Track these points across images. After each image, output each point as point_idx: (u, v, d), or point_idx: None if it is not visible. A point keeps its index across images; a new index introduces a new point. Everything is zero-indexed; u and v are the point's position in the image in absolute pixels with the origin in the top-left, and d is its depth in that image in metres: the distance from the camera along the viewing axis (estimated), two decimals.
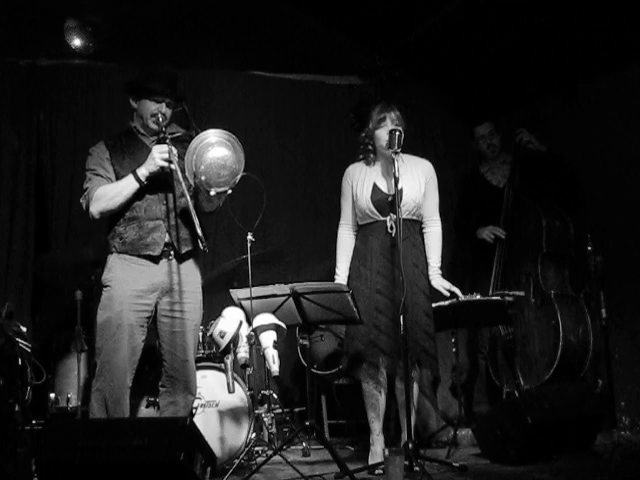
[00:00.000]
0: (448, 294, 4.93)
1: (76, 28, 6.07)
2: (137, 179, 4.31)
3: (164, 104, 4.43)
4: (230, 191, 4.25)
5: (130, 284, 4.34)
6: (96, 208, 4.36)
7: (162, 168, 4.30)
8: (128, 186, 4.33)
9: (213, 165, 4.18)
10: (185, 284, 4.45)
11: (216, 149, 4.21)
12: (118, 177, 4.41)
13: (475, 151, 6.39)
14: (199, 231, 4.08)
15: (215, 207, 4.49)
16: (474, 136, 6.31)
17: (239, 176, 4.24)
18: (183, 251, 4.44)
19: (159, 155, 4.27)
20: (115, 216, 4.41)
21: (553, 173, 6.02)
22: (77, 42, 6.12)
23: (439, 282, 4.92)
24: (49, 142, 6.36)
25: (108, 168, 4.43)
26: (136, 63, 6.13)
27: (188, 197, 4.16)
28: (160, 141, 4.42)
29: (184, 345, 4.43)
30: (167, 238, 4.40)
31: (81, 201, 4.44)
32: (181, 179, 4.20)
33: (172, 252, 4.41)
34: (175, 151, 4.27)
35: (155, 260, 4.39)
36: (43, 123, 6.35)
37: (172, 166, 4.26)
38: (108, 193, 4.35)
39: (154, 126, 4.44)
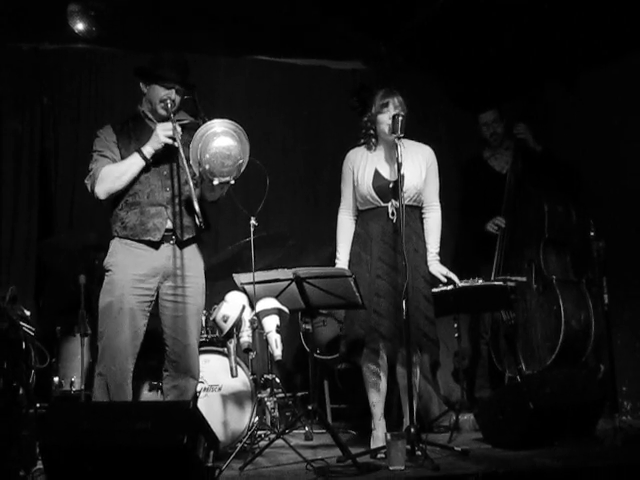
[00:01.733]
0: (445, 280, 4.93)
1: (79, 12, 6.06)
2: (142, 157, 4.33)
3: (174, 90, 4.42)
4: (233, 182, 4.23)
5: (131, 268, 4.35)
6: (102, 188, 4.36)
7: (166, 145, 4.31)
8: (133, 165, 4.35)
9: (218, 154, 4.18)
10: (187, 268, 4.45)
11: (221, 138, 4.20)
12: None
13: (478, 137, 6.39)
14: (196, 207, 4.09)
15: (217, 197, 4.49)
16: (478, 123, 6.31)
17: (243, 167, 4.24)
18: (185, 238, 4.45)
19: (163, 132, 4.30)
20: (117, 201, 4.42)
21: (549, 171, 6.04)
22: (80, 26, 6.11)
23: (437, 268, 4.92)
24: (52, 127, 6.36)
25: (115, 151, 4.44)
26: (138, 49, 6.13)
27: (191, 183, 4.16)
28: (165, 121, 4.42)
29: (186, 329, 4.44)
30: (169, 224, 4.40)
31: (86, 181, 4.44)
32: (185, 165, 4.21)
33: (173, 237, 4.42)
34: (179, 129, 4.29)
35: (155, 245, 4.39)
36: (46, 108, 6.35)
37: (175, 144, 4.27)
38: (113, 172, 4.36)
39: (162, 112, 4.44)
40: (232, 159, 4.20)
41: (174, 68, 4.45)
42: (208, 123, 4.24)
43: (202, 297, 4.57)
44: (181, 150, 4.25)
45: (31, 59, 6.36)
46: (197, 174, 4.26)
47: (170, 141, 4.30)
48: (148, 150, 4.34)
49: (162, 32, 6.22)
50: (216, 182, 4.21)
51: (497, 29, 6.15)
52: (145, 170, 4.40)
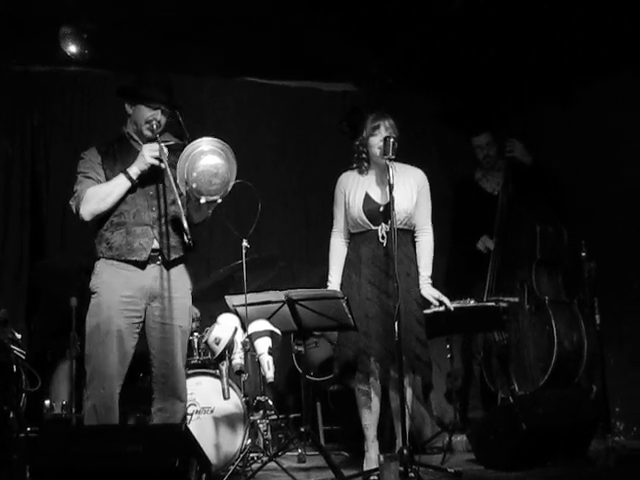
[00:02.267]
0: (437, 303, 4.92)
1: (71, 34, 6.06)
2: (128, 178, 4.29)
3: (159, 111, 4.40)
4: (220, 200, 4.23)
5: (118, 290, 4.30)
6: (87, 209, 4.31)
7: (152, 166, 4.29)
8: (119, 185, 4.30)
9: (205, 173, 4.17)
10: (174, 290, 4.41)
11: (209, 157, 4.19)
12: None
13: (471, 157, 6.42)
14: (185, 224, 4.06)
15: (204, 217, 4.44)
16: (471, 144, 6.34)
17: (230, 185, 4.23)
18: (171, 258, 4.41)
19: (149, 153, 4.26)
20: (103, 221, 4.37)
21: (539, 185, 6.06)
22: (72, 49, 6.11)
23: (429, 291, 4.92)
24: (43, 149, 6.36)
25: (100, 172, 4.39)
26: (129, 70, 6.12)
27: (179, 202, 4.15)
28: (151, 141, 4.41)
29: (172, 351, 4.39)
30: (155, 244, 4.36)
31: (70, 203, 4.39)
32: (173, 184, 4.19)
33: (160, 258, 4.38)
34: (166, 150, 4.26)
35: (142, 265, 4.35)
36: (37, 130, 6.35)
37: (162, 165, 4.25)
38: (99, 194, 4.31)
39: (148, 133, 4.42)
40: (220, 177, 4.19)
41: (159, 88, 4.44)
42: (195, 142, 4.23)
43: (189, 318, 4.53)
44: (168, 170, 4.23)
45: (22, 81, 6.36)
46: (184, 193, 4.24)
47: (156, 162, 4.27)
48: (134, 171, 4.30)
49: (152, 54, 6.22)
50: (203, 201, 4.19)
51: (489, 48, 6.17)
52: (131, 190, 4.36)
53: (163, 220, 4.40)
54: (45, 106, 6.43)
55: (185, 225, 4.08)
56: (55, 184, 6.29)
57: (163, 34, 6.23)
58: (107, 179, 4.38)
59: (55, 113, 6.46)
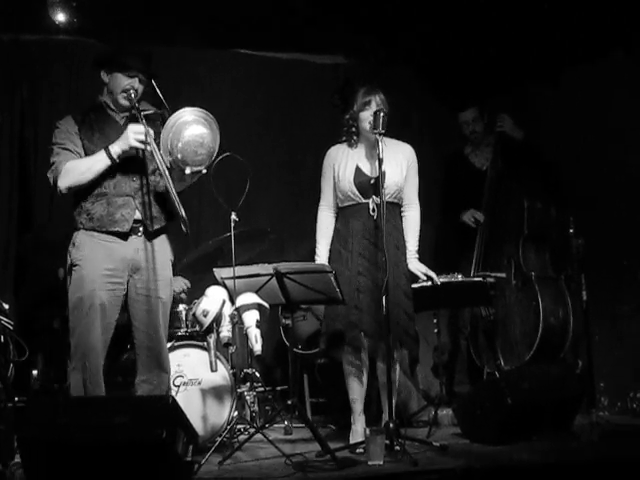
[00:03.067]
0: (425, 278, 4.96)
1: (60, 3, 6.01)
2: (109, 156, 4.24)
3: (137, 79, 4.36)
4: (205, 170, 4.22)
5: (100, 262, 4.29)
6: (64, 183, 4.27)
7: (136, 149, 4.26)
8: (99, 162, 4.26)
9: (191, 143, 4.15)
10: (156, 261, 4.40)
11: (194, 127, 4.17)
12: (87, 152, 4.35)
13: (460, 133, 6.41)
14: (182, 213, 4.06)
15: (184, 187, 4.41)
16: (458, 121, 6.33)
17: (214, 155, 4.22)
18: (152, 229, 4.40)
19: (134, 135, 4.20)
20: (82, 192, 4.34)
21: (529, 162, 6.07)
22: (61, 17, 6.06)
23: (416, 266, 4.94)
24: (32, 118, 6.30)
25: (77, 142, 4.36)
26: (119, 40, 6.08)
27: (167, 172, 4.13)
28: (133, 118, 4.36)
29: (156, 323, 4.40)
30: (137, 215, 4.34)
31: (48, 175, 4.35)
32: (159, 159, 4.16)
33: (141, 229, 4.36)
34: (152, 132, 4.20)
35: (124, 237, 4.33)
36: (26, 99, 6.30)
37: (148, 147, 4.21)
38: (78, 168, 4.27)
39: (125, 102, 4.38)
40: (205, 147, 4.19)
41: (136, 56, 4.40)
42: (178, 112, 4.20)
43: (171, 289, 4.53)
44: (155, 149, 4.18)
45: (11, 50, 6.28)
46: (168, 164, 4.20)
47: (141, 146, 4.22)
48: (115, 150, 4.24)
49: (143, 24, 6.17)
50: (188, 171, 4.18)
51: (482, 25, 6.16)
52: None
53: (144, 190, 4.38)
54: (34, 75, 6.36)
55: (178, 202, 4.07)
56: (43, 156, 6.17)
57: (153, 4, 6.19)
58: (85, 149, 4.35)
59: (44, 82, 6.39)
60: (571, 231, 5.21)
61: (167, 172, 4.15)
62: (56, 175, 4.30)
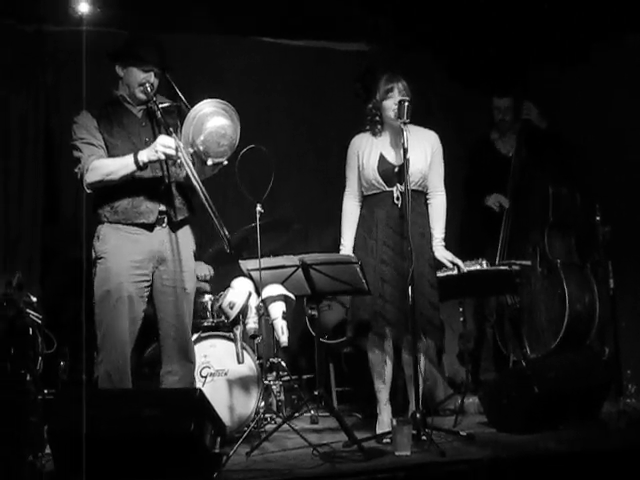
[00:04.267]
0: (451, 265, 4.93)
1: None
2: (136, 162, 4.22)
3: (152, 73, 4.37)
4: (226, 162, 4.23)
5: (126, 255, 4.31)
6: (90, 179, 4.28)
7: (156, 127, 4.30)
8: (126, 167, 4.24)
9: (213, 134, 4.15)
10: (180, 252, 4.43)
11: (215, 118, 4.18)
12: (108, 145, 4.35)
13: (486, 118, 6.39)
14: (225, 232, 4.10)
15: (205, 177, 4.38)
16: (492, 104, 6.30)
17: (236, 146, 4.22)
18: (177, 219, 4.42)
19: (162, 148, 4.16)
20: (105, 185, 4.34)
21: (553, 149, 6.03)
22: (83, 7, 6.06)
23: (442, 253, 4.92)
24: (57, 106, 6.31)
25: (98, 136, 4.36)
26: (141, 29, 6.09)
27: (191, 166, 4.13)
28: (151, 112, 4.39)
29: (181, 313, 4.42)
30: (161, 207, 4.36)
31: (75, 171, 4.37)
32: (189, 170, 4.14)
33: (166, 219, 4.38)
34: (181, 144, 4.17)
35: (149, 228, 4.35)
36: (50, 90, 6.31)
37: (179, 160, 4.18)
38: (105, 168, 4.27)
39: (142, 95, 4.39)
40: (227, 138, 4.19)
41: (151, 50, 4.40)
42: (199, 104, 4.20)
43: (194, 280, 4.56)
44: (185, 161, 4.15)
45: (35, 40, 6.29)
46: (190, 156, 4.20)
47: (168, 158, 4.21)
48: (143, 159, 4.21)
49: (165, 13, 6.17)
50: (210, 163, 4.18)
51: (504, 8, 6.11)
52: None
53: (167, 181, 4.40)
54: (57, 65, 6.36)
55: (217, 221, 4.09)
56: (68, 146, 6.25)
57: None
58: (105, 142, 4.35)
59: (67, 72, 6.40)
60: (598, 218, 5.19)
61: (193, 170, 4.15)
62: (83, 172, 4.31)
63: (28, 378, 4.24)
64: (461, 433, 4.60)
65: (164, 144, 4.17)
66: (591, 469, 4.04)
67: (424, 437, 4.34)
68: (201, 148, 4.16)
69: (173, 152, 4.15)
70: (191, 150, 4.18)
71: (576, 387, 4.78)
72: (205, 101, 4.22)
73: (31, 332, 4.45)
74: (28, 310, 4.41)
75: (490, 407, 4.97)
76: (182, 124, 4.28)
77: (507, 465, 3.97)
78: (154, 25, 6.07)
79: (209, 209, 4.09)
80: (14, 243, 6.02)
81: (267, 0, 6.32)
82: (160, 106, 4.36)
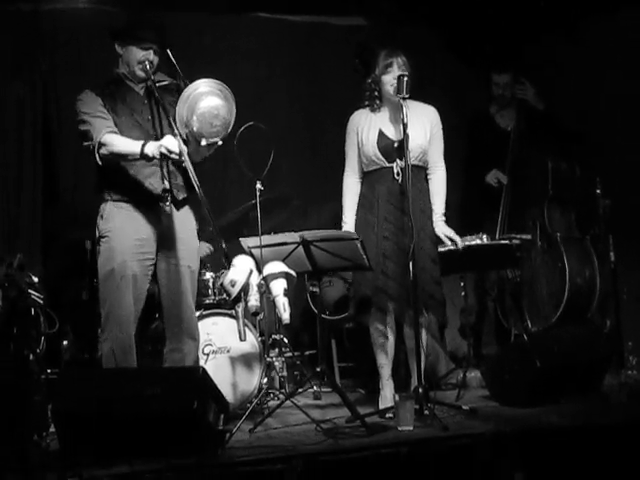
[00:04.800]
0: (449, 242, 4.91)
1: None
2: (141, 153, 4.20)
3: (151, 51, 4.37)
4: (221, 142, 4.21)
5: (130, 233, 4.33)
6: (103, 152, 4.27)
7: (152, 100, 4.33)
8: (132, 153, 4.24)
9: (206, 115, 4.14)
10: (182, 230, 4.45)
11: (209, 98, 4.16)
12: (115, 121, 4.35)
13: (484, 93, 6.37)
14: (196, 183, 4.11)
15: (202, 158, 4.41)
16: (491, 80, 6.27)
17: (231, 126, 4.21)
18: (180, 197, 4.44)
19: (165, 151, 4.12)
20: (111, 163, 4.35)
21: (551, 131, 6.02)
22: None
23: (442, 229, 4.91)
24: (54, 89, 6.28)
25: (103, 110, 4.35)
26: (138, 7, 6.06)
27: (195, 177, 4.14)
28: (150, 89, 4.40)
29: (184, 291, 4.44)
30: (165, 184, 4.34)
31: (85, 144, 4.34)
32: (190, 168, 4.15)
33: (169, 198, 4.36)
34: (185, 149, 4.15)
35: (153, 206, 4.36)
36: (48, 71, 6.28)
37: (183, 164, 4.19)
38: (115, 146, 4.26)
39: (141, 73, 4.39)
40: (220, 119, 4.18)
41: (150, 28, 4.40)
42: (193, 84, 4.19)
43: (197, 258, 4.58)
44: (188, 164, 4.15)
45: (31, 20, 6.25)
46: (184, 136, 4.20)
47: (172, 156, 4.17)
48: (147, 152, 4.17)
49: None
50: (204, 143, 4.17)
51: None
52: (136, 133, 4.35)
53: (168, 161, 4.37)
54: (54, 45, 6.33)
55: (193, 174, 4.12)
56: (66, 126, 6.22)
57: None
58: (112, 119, 4.35)
59: (65, 52, 6.37)
60: (598, 191, 5.18)
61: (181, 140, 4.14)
62: (95, 144, 4.28)
63: (31, 358, 4.25)
64: (463, 407, 4.61)
65: (168, 148, 4.14)
66: (593, 443, 4.05)
67: (427, 412, 4.36)
68: (194, 128, 4.15)
69: (176, 157, 4.14)
70: (186, 130, 4.17)
71: (578, 360, 4.79)
72: (200, 81, 4.20)
73: (33, 312, 4.45)
74: (30, 290, 4.41)
75: (492, 381, 4.98)
76: None
77: (509, 439, 3.99)
78: (149, 3, 6.04)
79: (205, 209, 4.15)
80: (15, 226, 6.03)
81: None
82: (159, 84, 4.38)
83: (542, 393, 4.65)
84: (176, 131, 4.17)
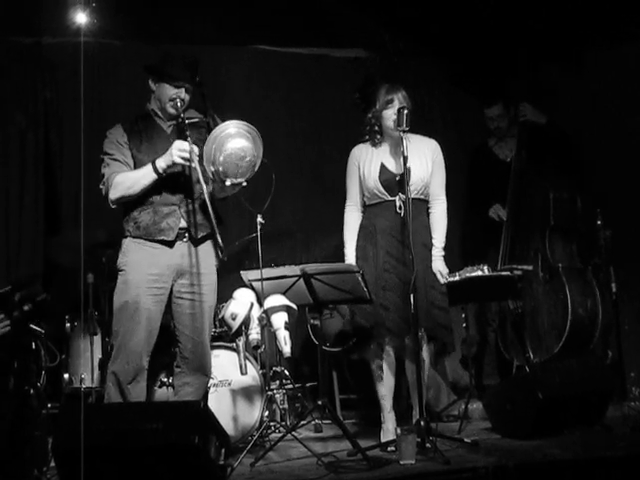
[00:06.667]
0: (442, 281, 4.89)
1: (80, 4, 6.01)
2: (155, 170, 4.30)
3: (183, 89, 4.42)
4: (246, 183, 4.25)
5: (145, 268, 4.35)
6: (114, 195, 4.37)
7: (180, 164, 4.31)
8: (146, 176, 4.32)
9: (233, 156, 4.19)
10: (201, 266, 4.45)
11: (236, 140, 4.21)
12: (136, 161, 4.42)
13: (484, 124, 6.40)
14: (219, 239, 4.17)
15: (227, 195, 4.47)
16: (484, 115, 6.31)
17: (256, 168, 4.26)
18: (199, 236, 4.45)
19: (177, 153, 4.24)
20: (130, 201, 4.41)
21: (554, 143, 6.02)
22: (81, 19, 6.06)
23: (438, 267, 4.90)
24: (56, 122, 6.33)
25: (126, 153, 4.43)
26: (140, 40, 6.11)
27: (205, 188, 4.15)
28: (180, 127, 4.42)
29: (200, 326, 4.46)
30: (182, 223, 4.40)
31: (100, 187, 4.44)
32: (199, 170, 4.19)
33: (187, 235, 4.41)
34: (196, 150, 4.23)
35: (169, 244, 4.39)
36: (50, 102, 6.32)
37: (192, 164, 4.24)
38: (126, 181, 4.34)
39: (172, 110, 4.44)
40: (247, 161, 4.22)
41: (183, 66, 4.44)
42: (223, 124, 4.25)
43: (214, 294, 4.58)
44: (197, 166, 4.20)
45: (33, 53, 6.31)
46: (210, 176, 4.26)
47: (184, 162, 4.26)
48: (161, 165, 4.29)
49: (162, 24, 6.21)
50: (228, 183, 4.22)
51: (499, 11, 6.12)
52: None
53: (189, 198, 4.44)
54: (57, 78, 6.38)
55: (210, 208, 4.13)
56: (69, 157, 6.27)
57: (172, 4, 6.20)
58: (133, 158, 4.43)
59: (67, 85, 6.40)
60: (599, 222, 5.19)
61: (203, 182, 4.17)
62: (108, 187, 4.39)
63: (31, 392, 4.23)
64: (465, 440, 4.59)
65: (179, 148, 4.24)
66: (596, 476, 4.03)
67: (429, 445, 4.34)
68: (220, 168, 4.20)
69: (187, 155, 4.20)
70: (212, 168, 4.21)
71: (580, 392, 4.77)
72: (229, 122, 4.26)
73: (34, 345, 4.45)
74: (31, 325, 4.41)
75: (494, 413, 4.96)
76: None
77: (512, 473, 3.97)
78: (152, 36, 6.09)
79: (212, 218, 4.16)
80: (16, 255, 6.03)
81: (265, 8, 6.35)
82: (189, 121, 4.41)
83: (544, 425, 4.64)
84: (200, 176, 4.18)
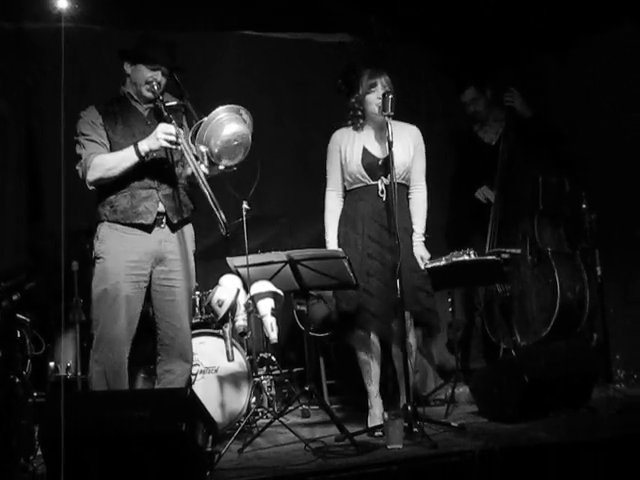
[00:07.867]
0: (422, 265, 4.90)
1: None
2: (137, 153, 4.24)
3: (159, 72, 4.37)
4: (235, 168, 4.25)
5: (124, 255, 4.31)
6: (93, 176, 4.30)
7: (165, 148, 4.27)
8: (127, 159, 4.26)
9: (231, 141, 4.17)
10: (178, 252, 4.43)
11: (234, 125, 4.19)
12: (112, 143, 4.36)
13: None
14: (221, 216, 4.11)
15: (213, 174, 4.39)
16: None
17: (247, 152, 4.23)
18: (176, 220, 4.42)
19: (163, 136, 4.19)
20: (106, 184, 4.35)
21: (540, 137, 6.02)
22: (62, 4, 6.00)
23: (420, 252, 4.92)
24: (37, 108, 6.26)
25: (102, 134, 4.36)
26: (123, 26, 6.05)
27: (199, 168, 4.14)
28: (157, 110, 4.39)
29: (179, 313, 4.43)
30: (160, 207, 4.36)
31: (77, 168, 4.37)
32: (191, 159, 4.17)
33: (164, 220, 4.38)
34: (182, 132, 4.21)
35: (147, 229, 4.35)
36: (31, 89, 6.27)
37: (179, 147, 4.21)
38: (106, 163, 4.28)
39: (148, 94, 4.40)
40: (242, 146, 4.22)
41: (159, 48, 4.40)
42: (215, 111, 4.19)
43: (193, 280, 4.56)
44: (186, 149, 4.18)
45: (14, 39, 6.24)
46: (199, 155, 4.20)
47: (171, 146, 4.22)
48: (144, 148, 4.24)
49: (147, 9, 6.13)
50: (222, 167, 4.20)
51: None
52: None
53: (168, 182, 4.40)
54: (38, 64, 6.30)
55: (215, 206, 4.12)
56: (51, 144, 6.19)
57: None
58: (109, 140, 4.36)
59: (49, 71, 6.33)
60: (584, 206, 5.19)
61: (199, 168, 4.15)
62: (85, 169, 4.32)
63: (17, 381, 4.21)
64: (452, 424, 4.60)
65: (165, 131, 4.19)
66: (582, 458, 4.05)
67: (416, 429, 4.35)
68: (215, 151, 4.16)
69: (174, 138, 4.17)
70: (203, 149, 4.17)
71: (565, 374, 4.79)
72: (220, 108, 4.21)
73: (19, 334, 4.42)
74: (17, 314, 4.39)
75: (481, 397, 4.98)
76: (189, 123, 4.37)
77: (499, 456, 3.98)
78: (135, 22, 6.03)
79: (208, 197, 4.12)
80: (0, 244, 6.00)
81: None
82: (168, 104, 4.36)
83: (530, 408, 4.65)
84: (189, 159, 4.17)
